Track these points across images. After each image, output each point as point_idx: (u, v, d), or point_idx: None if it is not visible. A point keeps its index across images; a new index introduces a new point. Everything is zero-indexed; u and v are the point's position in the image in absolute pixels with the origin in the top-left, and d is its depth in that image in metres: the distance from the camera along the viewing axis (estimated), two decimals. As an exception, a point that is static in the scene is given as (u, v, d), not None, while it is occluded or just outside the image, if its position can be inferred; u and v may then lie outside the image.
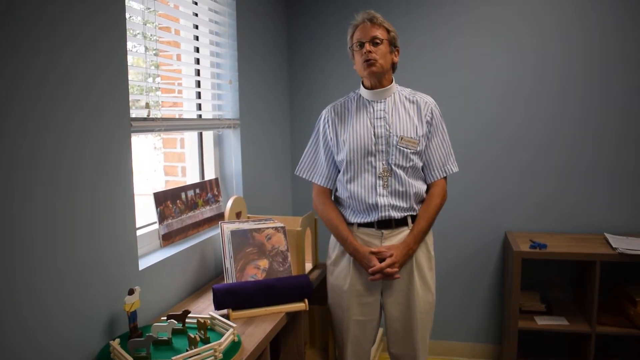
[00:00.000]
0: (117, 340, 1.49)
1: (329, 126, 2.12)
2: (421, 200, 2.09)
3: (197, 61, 2.40)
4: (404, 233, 2.04)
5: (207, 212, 2.27)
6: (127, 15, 1.68)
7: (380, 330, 2.63)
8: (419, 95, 2.11)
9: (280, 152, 3.19)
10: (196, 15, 2.30)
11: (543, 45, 2.96)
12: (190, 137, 2.49)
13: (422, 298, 2.05)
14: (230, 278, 1.98)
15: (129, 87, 1.67)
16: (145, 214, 2.02)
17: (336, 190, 2.17)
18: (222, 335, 1.57)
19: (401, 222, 2.05)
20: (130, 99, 1.68)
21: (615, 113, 2.92)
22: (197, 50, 2.37)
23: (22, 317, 1.26)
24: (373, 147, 2.02)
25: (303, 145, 2.26)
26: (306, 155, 2.20)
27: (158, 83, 1.96)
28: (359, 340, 2.11)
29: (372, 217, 2.03)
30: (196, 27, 2.35)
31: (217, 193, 2.36)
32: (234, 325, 1.59)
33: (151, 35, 1.87)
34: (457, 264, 3.19)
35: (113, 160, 1.59)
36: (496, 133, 3.08)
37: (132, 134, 1.68)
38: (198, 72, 2.41)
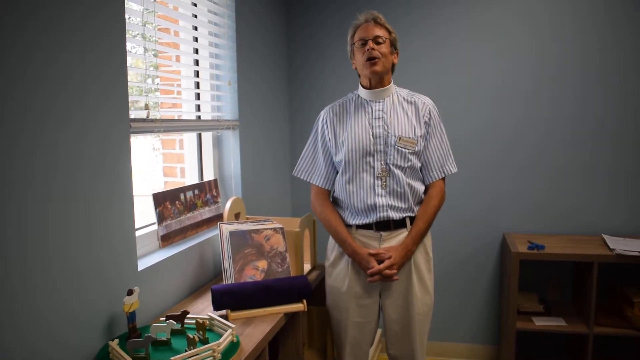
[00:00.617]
0: (116, 340, 1.49)
1: (327, 127, 2.13)
2: (420, 201, 2.09)
3: (197, 62, 2.40)
4: (402, 235, 2.05)
5: (206, 213, 2.27)
6: (126, 17, 1.68)
7: (379, 331, 2.63)
8: (417, 96, 2.12)
9: (279, 154, 3.19)
10: (195, 16, 2.30)
11: (541, 47, 2.97)
12: (189, 138, 2.49)
13: (420, 300, 2.05)
14: (229, 279, 1.98)
15: (128, 88, 1.67)
16: (144, 214, 2.03)
17: (334, 191, 2.18)
18: (220, 335, 1.58)
19: (399, 224, 2.05)
20: (129, 100, 1.68)
21: (613, 114, 2.93)
22: (196, 51, 2.38)
23: (20, 317, 1.26)
24: (371, 147, 2.03)
25: (302, 146, 2.26)
26: (304, 156, 2.20)
27: (157, 84, 1.97)
28: (357, 341, 2.11)
29: (371, 218, 2.04)
30: (195, 28, 2.35)
31: (216, 194, 2.36)
32: (233, 325, 1.60)
33: (150, 36, 1.88)
34: (455, 265, 3.20)
35: (112, 161, 1.59)
36: (494, 134, 3.08)
37: (131, 134, 1.69)
38: (197, 73, 2.42)
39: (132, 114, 1.72)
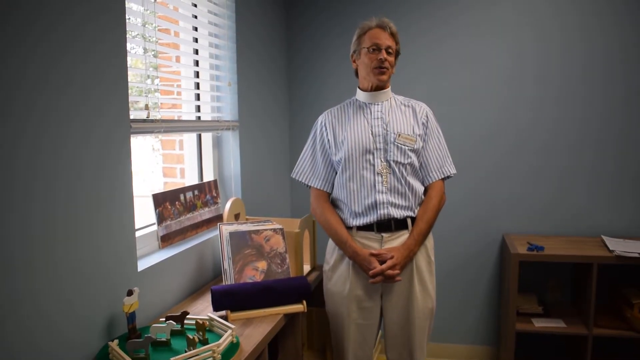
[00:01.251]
0: (116, 341, 1.49)
1: (326, 129, 2.13)
2: (420, 202, 2.09)
3: (197, 63, 2.40)
4: (403, 236, 2.04)
5: (205, 213, 2.27)
6: (127, 17, 1.69)
7: (380, 332, 2.63)
8: (413, 102, 2.16)
9: (279, 154, 3.19)
10: (195, 17, 2.31)
11: (545, 49, 2.98)
12: (189, 139, 2.49)
13: (421, 303, 2.04)
14: (228, 279, 1.98)
15: (128, 89, 1.67)
16: (144, 215, 2.03)
17: (333, 192, 2.17)
18: (220, 336, 1.58)
19: (401, 225, 2.05)
20: (129, 100, 1.68)
21: (615, 117, 2.93)
22: (196, 52, 2.38)
23: (21, 317, 1.26)
24: (371, 145, 2.04)
25: (302, 147, 2.26)
26: (303, 158, 2.20)
27: (157, 85, 1.97)
28: (360, 344, 2.10)
29: (372, 217, 2.03)
30: (195, 29, 2.35)
31: (215, 195, 2.36)
32: (233, 326, 1.60)
33: (150, 36, 1.88)
34: (455, 267, 3.20)
35: (113, 162, 1.59)
36: (495, 136, 3.09)
37: (131, 135, 1.69)
38: (197, 74, 2.42)
39: (132, 115, 1.72)
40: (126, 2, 1.67)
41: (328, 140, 2.12)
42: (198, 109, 2.45)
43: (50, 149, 1.35)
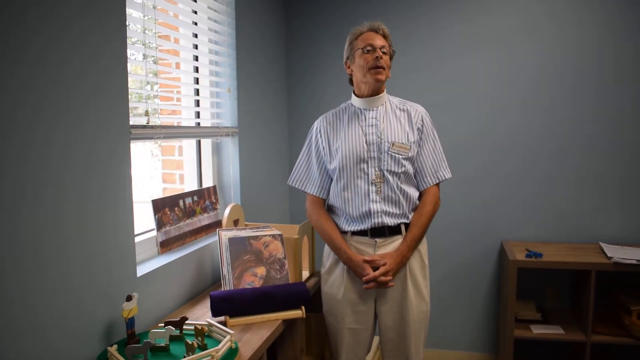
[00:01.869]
0: (115, 346, 1.49)
1: (321, 136, 2.14)
2: (414, 208, 2.10)
3: (196, 69, 2.41)
4: (397, 242, 2.05)
5: (204, 219, 2.27)
6: (127, 23, 1.70)
7: (376, 338, 2.63)
8: (409, 104, 2.14)
9: (278, 160, 3.20)
10: (195, 24, 2.32)
11: (536, 54, 2.99)
12: (188, 145, 2.50)
13: (415, 307, 2.05)
14: (227, 285, 1.99)
15: (128, 95, 1.68)
16: (144, 220, 2.03)
17: (329, 199, 2.18)
18: (219, 342, 1.58)
19: (394, 231, 2.05)
20: (129, 106, 1.69)
21: (614, 125, 2.93)
22: (196, 58, 2.39)
23: (19, 323, 1.27)
24: (365, 154, 2.04)
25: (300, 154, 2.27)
26: (299, 165, 2.21)
27: (157, 91, 1.98)
28: (353, 348, 2.11)
29: (366, 225, 2.04)
30: (195, 35, 2.37)
31: (215, 200, 2.37)
32: (231, 332, 1.60)
33: (150, 43, 1.89)
34: (454, 273, 3.20)
35: (112, 167, 1.60)
36: (494, 141, 3.10)
37: (131, 141, 1.69)
38: (197, 81, 2.43)
39: (132, 121, 1.72)
40: (126, 8, 1.68)
41: (323, 147, 2.13)
42: (198, 115, 2.46)
43: (50, 155, 1.36)
